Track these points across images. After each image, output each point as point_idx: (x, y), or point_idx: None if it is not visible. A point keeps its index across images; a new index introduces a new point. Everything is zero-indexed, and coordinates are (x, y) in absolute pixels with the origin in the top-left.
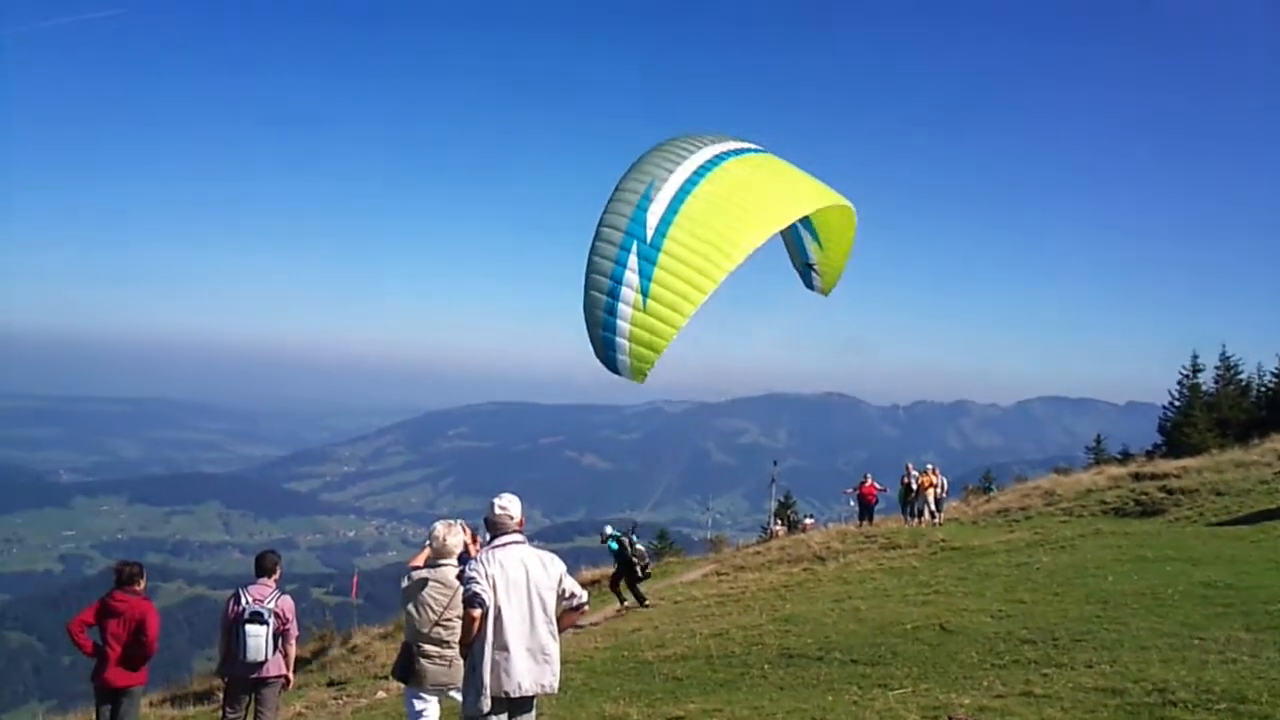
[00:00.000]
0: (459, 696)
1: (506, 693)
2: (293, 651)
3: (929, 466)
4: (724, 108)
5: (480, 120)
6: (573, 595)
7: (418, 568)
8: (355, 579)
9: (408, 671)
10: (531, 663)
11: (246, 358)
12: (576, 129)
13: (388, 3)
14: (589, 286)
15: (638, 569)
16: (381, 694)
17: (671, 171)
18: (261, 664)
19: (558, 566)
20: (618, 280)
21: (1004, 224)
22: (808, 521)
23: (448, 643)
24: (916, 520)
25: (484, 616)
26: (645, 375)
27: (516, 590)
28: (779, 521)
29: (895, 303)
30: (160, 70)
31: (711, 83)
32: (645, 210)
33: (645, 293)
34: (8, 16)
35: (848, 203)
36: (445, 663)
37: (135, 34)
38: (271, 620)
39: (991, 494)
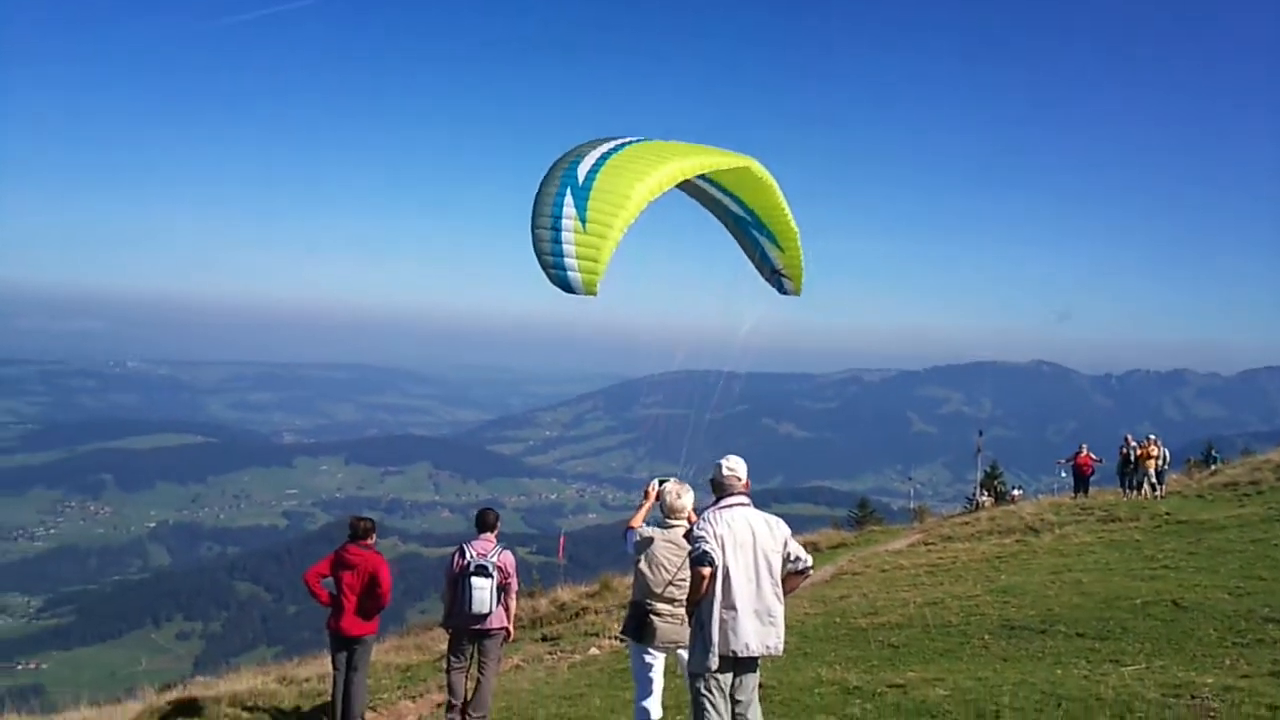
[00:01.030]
0: (685, 654)
1: (734, 652)
2: (514, 605)
3: (1150, 437)
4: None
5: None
6: (798, 558)
7: (634, 529)
8: (562, 540)
9: (639, 629)
10: (758, 624)
11: (458, 328)
12: None
13: None
14: (534, 228)
15: None
16: (594, 650)
17: (597, 145)
18: (485, 616)
19: (783, 529)
20: (557, 217)
21: (1226, 185)
22: (1016, 493)
23: (679, 601)
24: (1135, 493)
25: (712, 576)
26: (595, 286)
27: (744, 551)
28: (985, 492)
29: (1108, 270)
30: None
31: None
32: (576, 166)
33: (583, 219)
34: None
35: (755, 165)
36: (676, 621)
37: None
38: (495, 574)
39: (1215, 467)
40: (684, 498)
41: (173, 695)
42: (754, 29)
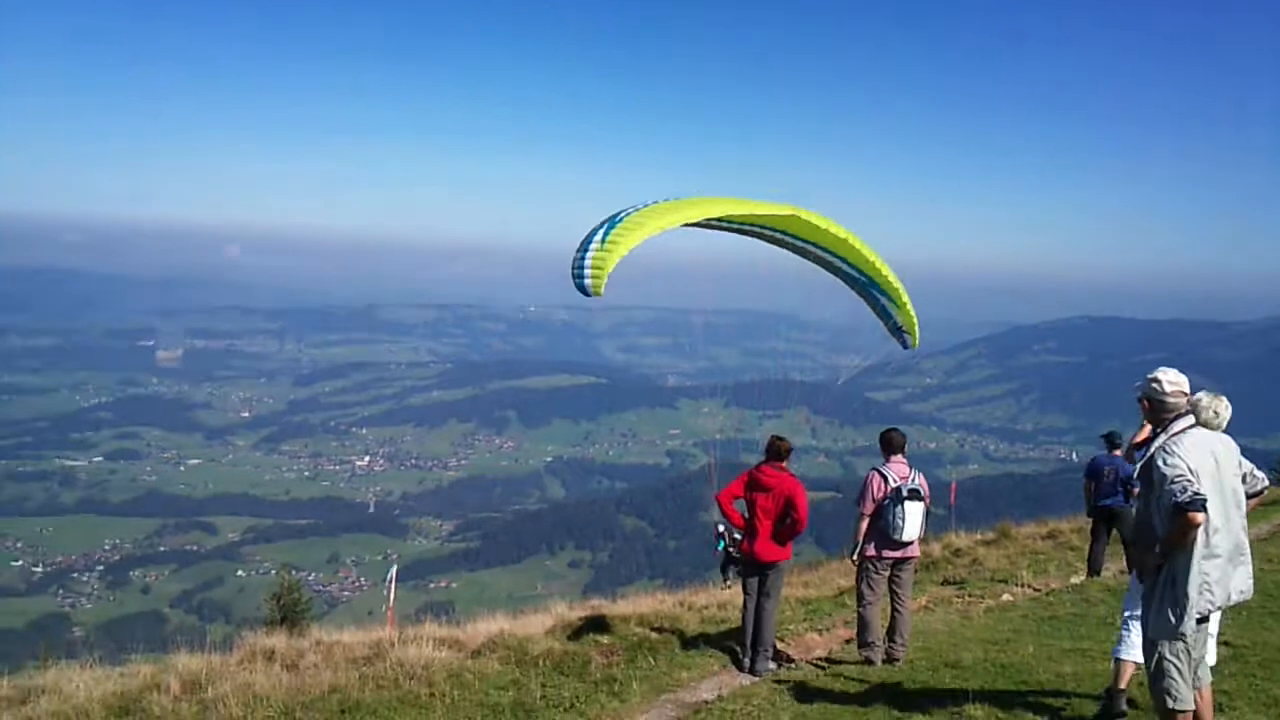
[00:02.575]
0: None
1: (1213, 606)
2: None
3: None
4: None
5: None
6: (1256, 476)
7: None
8: (954, 487)
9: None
10: (1231, 567)
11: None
12: None
13: None
14: (574, 253)
15: None
16: (1007, 596)
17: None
18: (909, 543)
19: (1235, 447)
20: (589, 241)
21: None
22: None
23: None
24: None
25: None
26: (600, 289)
27: (1210, 481)
28: None
29: None
30: None
31: None
32: (620, 213)
33: (603, 240)
34: None
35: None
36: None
37: None
38: (924, 498)
39: None
40: (1224, 412)
41: (582, 611)
42: None
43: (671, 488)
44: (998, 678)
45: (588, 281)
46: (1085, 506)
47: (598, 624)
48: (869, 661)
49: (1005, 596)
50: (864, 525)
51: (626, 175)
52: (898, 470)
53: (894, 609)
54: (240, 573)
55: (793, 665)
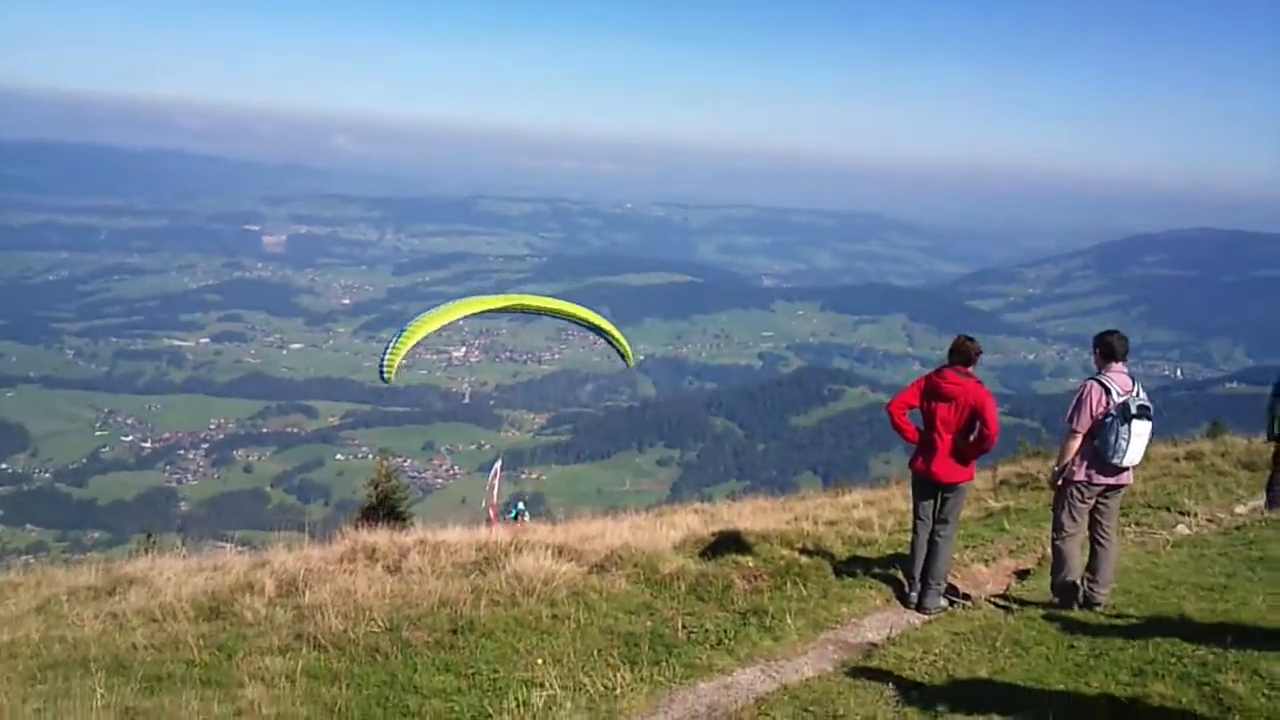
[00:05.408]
0: None
1: None
2: None
3: None
4: None
5: None
6: None
7: None
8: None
9: None
10: None
11: (949, 178)
12: None
13: None
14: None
15: None
16: (1182, 528)
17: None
18: (1127, 469)
19: None
20: (388, 343)
21: None
22: None
23: None
24: None
25: None
26: (391, 374)
27: None
28: None
29: None
30: None
31: None
32: (406, 324)
33: (396, 340)
34: None
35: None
36: None
37: None
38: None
39: None
40: None
41: (715, 527)
42: None
43: (762, 389)
44: (1238, 637)
45: (383, 371)
46: (1267, 430)
47: (733, 541)
48: (1063, 604)
49: (1180, 528)
50: (1075, 444)
51: (733, 69)
52: (1120, 382)
53: (1095, 543)
54: (339, 456)
55: (967, 603)
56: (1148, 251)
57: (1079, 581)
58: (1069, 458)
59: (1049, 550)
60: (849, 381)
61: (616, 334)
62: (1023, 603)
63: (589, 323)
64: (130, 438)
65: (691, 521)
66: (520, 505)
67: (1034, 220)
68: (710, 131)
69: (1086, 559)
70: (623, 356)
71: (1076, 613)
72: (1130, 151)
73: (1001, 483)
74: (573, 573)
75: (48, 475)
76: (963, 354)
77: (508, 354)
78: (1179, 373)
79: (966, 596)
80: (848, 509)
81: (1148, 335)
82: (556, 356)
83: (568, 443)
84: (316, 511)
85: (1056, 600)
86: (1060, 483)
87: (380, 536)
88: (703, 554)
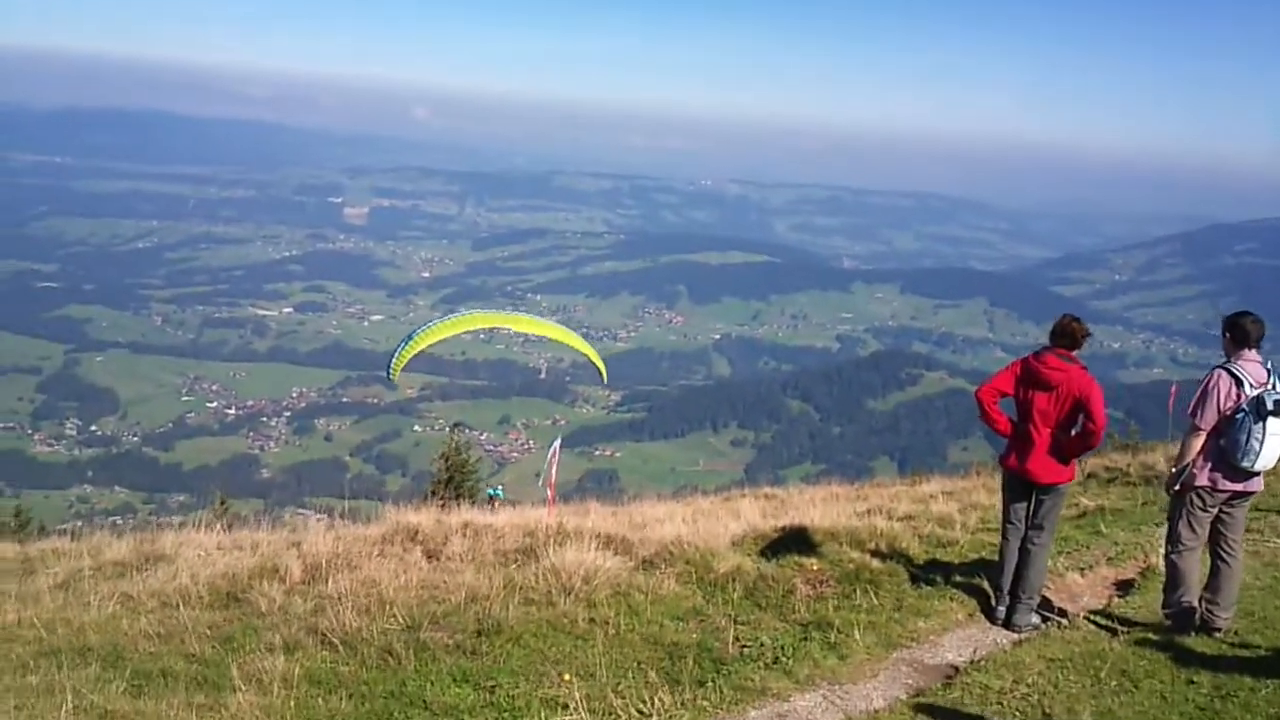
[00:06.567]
0: None
1: None
2: None
3: None
4: None
5: None
6: None
7: None
8: (1174, 390)
9: None
10: None
11: (1029, 158)
12: None
13: None
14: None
15: None
16: None
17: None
18: (1258, 474)
19: None
20: (395, 348)
21: None
22: None
23: None
24: None
25: None
26: (396, 373)
27: None
28: None
29: None
30: None
31: None
32: (414, 331)
33: (404, 344)
34: None
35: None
36: None
37: None
38: None
39: None
40: None
41: (780, 520)
42: None
43: (839, 372)
44: None
45: (389, 371)
46: None
47: (797, 538)
48: (1178, 628)
49: None
50: (1198, 443)
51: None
52: (1254, 372)
53: (1217, 559)
54: (416, 428)
55: (1064, 621)
56: (1238, 239)
57: (1197, 603)
58: (1190, 458)
59: (1156, 561)
60: (928, 366)
61: (589, 351)
62: (1128, 623)
63: (570, 345)
64: (215, 404)
65: (756, 510)
66: (493, 490)
67: (1114, 204)
68: (777, 109)
69: (1206, 576)
70: (598, 373)
71: (1194, 639)
72: (1217, 135)
73: (1089, 476)
74: (618, 569)
75: (135, 439)
76: (1068, 335)
77: (584, 330)
78: (1269, 365)
79: (1062, 613)
80: (925, 500)
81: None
82: (632, 334)
83: (642, 420)
84: (394, 482)
85: (1169, 623)
86: (1179, 488)
87: (424, 517)
88: (763, 552)
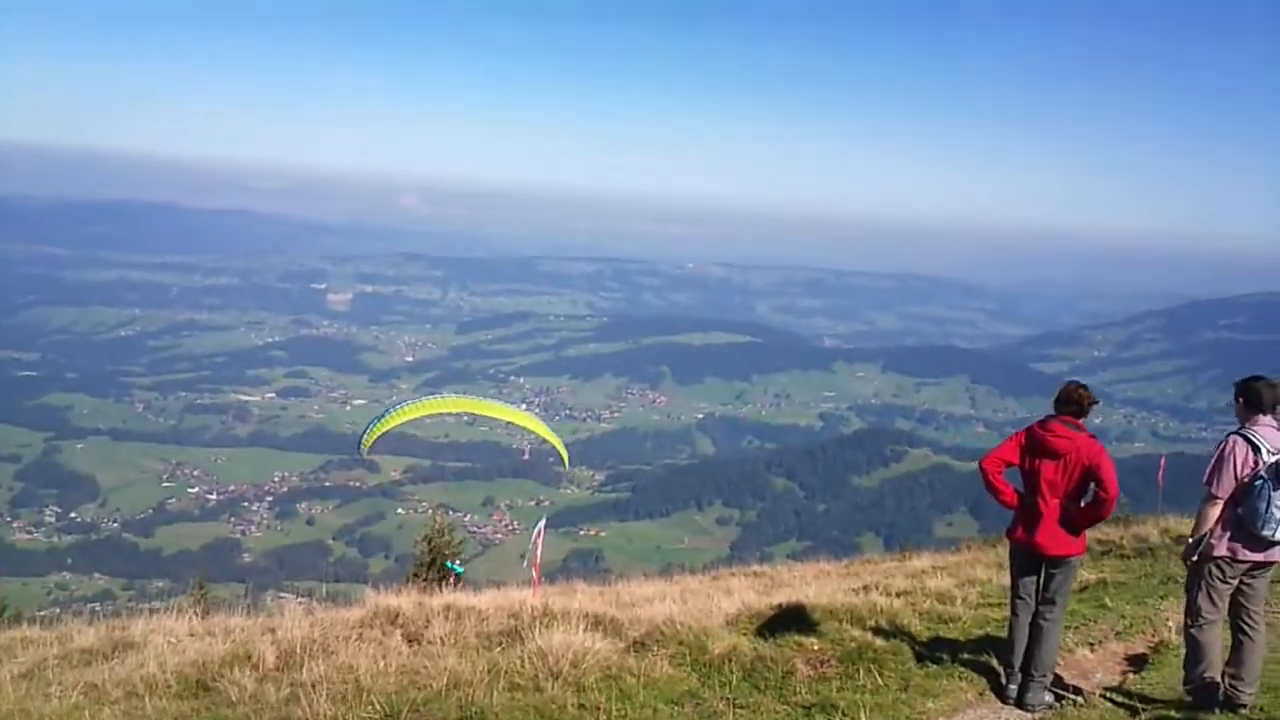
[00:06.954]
0: None
1: None
2: None
3: None
4: None
5: None
6: None
7: None
8: (1163, 462)
9: None
10: None
11: (1014, 240)
12: None
13: None
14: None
15: None
16: None
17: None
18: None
19: None
20: (370, 421)
21: None
22: None
23: None
24: None
25: None
26: (367, 446)
27: None
28: None
29: None
30: None
31: None
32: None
33: (375, 422)
34: None
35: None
36: None
37: None
38: None
39: None
40: None
41: (774, 597)
42: None
43: (823, 450)
44: None
45: (360, 444)
46: None
47: (794, 616)
48: (1200, 705)
49: None
50: (1215, 512)
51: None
52: (1270, 438)
53: (1239, 632)
54: (400, 510)
55: (1078, 699)
56: (1220, 315)
57: (1220, 678)
58: (1207, 528)
59: (1167, 636)
60: (911, 443)
61: (554, 438)
62: (1146, 700)
63: (531, 429)
64: (196, 489)
65: (748, 589)
66: (451, 565)
67: (1097, 283)
68: (761, 194)
69: (1227, 651)
70: (560, 459)
71: (1218, 716)
72: (1199, 212)
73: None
74: (608, 651)
75: (115, 525)
76: (1074, 403)
77: (567, 412)
78: None
79: (1076, 691)
80: (919, 575)
81: (1219, 400)
82: (616, 415)
83: (626, 500)
84: (378, 564)
85: (1192, 699)
86: (1197, 559)
87: (405, 600)
88: (759, 631)
